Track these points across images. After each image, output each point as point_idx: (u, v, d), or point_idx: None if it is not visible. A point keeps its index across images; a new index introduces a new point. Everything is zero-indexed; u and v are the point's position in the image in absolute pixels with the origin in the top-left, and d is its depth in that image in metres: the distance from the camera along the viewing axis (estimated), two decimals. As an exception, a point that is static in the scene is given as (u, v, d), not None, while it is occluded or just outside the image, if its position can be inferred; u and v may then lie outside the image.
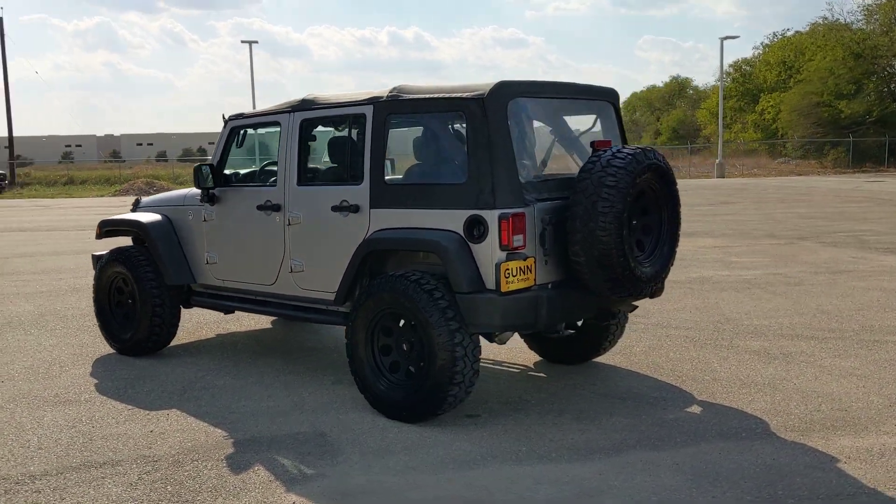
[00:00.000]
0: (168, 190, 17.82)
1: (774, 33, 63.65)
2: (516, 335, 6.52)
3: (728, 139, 52.84)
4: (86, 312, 8.28)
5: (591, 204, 4.59)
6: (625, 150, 4.73)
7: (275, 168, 5.82)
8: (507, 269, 4.54)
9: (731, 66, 58.22)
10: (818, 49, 47.26)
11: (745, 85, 56.00)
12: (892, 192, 24.67)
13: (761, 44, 59.23)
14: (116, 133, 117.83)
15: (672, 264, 5.18)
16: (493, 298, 4.55)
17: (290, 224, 5.56)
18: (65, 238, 16.31)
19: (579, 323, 5.82)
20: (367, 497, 3.94)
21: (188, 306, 6.65)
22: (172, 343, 6.96)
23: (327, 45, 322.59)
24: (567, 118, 5.47)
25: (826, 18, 49.87)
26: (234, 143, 6.13)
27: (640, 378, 5.79)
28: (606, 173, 4.61)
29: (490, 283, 4.59)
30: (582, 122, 5.56)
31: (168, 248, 6.37)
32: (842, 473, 4.09)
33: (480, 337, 4.98)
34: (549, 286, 4.81)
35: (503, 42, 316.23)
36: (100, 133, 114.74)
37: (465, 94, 4.73)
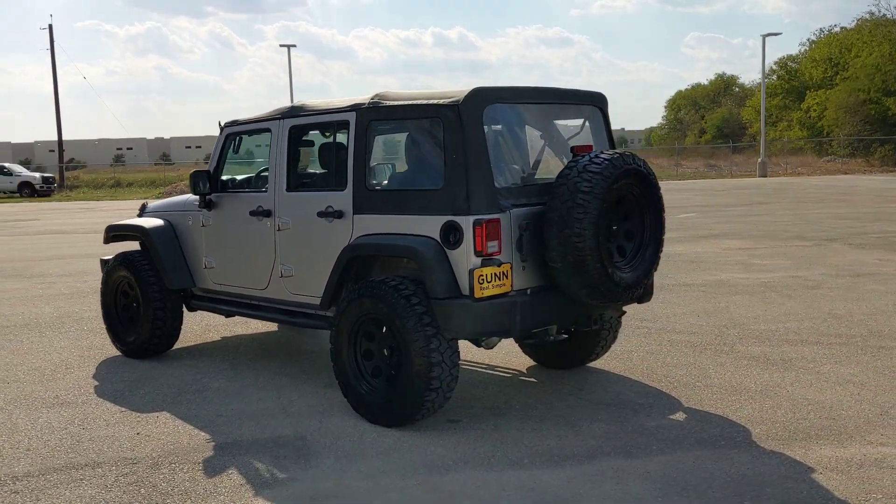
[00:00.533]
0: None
1: (821, 29, 62.24)
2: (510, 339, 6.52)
3: (773, 137, 51.97)
4: (101, 315, 8.44)
5: (567, 209, 4.57)
6: (602, 156, 4.70)
7: (268, 174, 5.90)
8: (481, 276, 4.55)
9: (776, 62, 57.26)
10: (864, 45, 46.24)
11: (790, 82, 54.99)
12: (936, 191, 24.04)
13: (808, 40, 58.23)
14: (166, 136, 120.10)
15: (655, 270, 5.13)
16: (467, 304, 4.56)
17: (279, 229, 5.64)
18: (98, 240, 16.59)
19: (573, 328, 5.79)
20: (332, 501, 3.98)
21: (192, 310, 6.77)
22: (178, 346, 7.09)
23: (372, 47, 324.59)
24: (555, 123, 5.44)
25: (873, 14, 48.80)
26: (231, 150, 6.22)
27: (630, 384, 5.75)
28: (582, 178, 4.59)
29: (465, 289, 4.60)
30: (569, 128, 5.53)
31: (169, 253, 6.49)
32: (815, 484, 4.02)
33: (476, 342, 5.00)
34: (528, 292, 4.80)
35: (548, 41, 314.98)
36: (150, 136, 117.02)
37: (440, 101, 4.75)
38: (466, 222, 4.58)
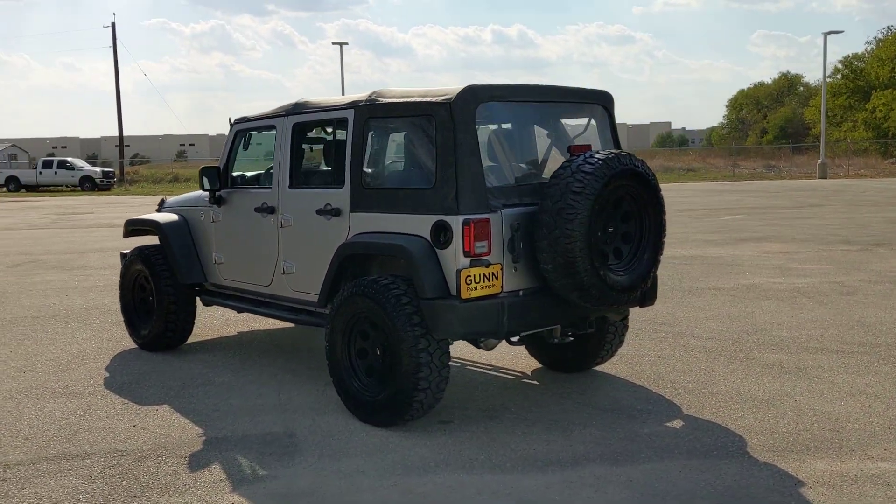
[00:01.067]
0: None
1: (889, 27, 60.35)
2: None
3: (837, 138, 50.64)
4: (125, 308, 8.61)
5: (557, 210, 4.49)
6: (596, 156, 4.60)
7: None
8: (469, 276, 4.49)
9: (840, 61, 55.74)
10: (935, 44, 44.69)
11: (855, 81, 53.49)
12: None
13: (874, 38, 56.48)
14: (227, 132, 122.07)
15: (654, 273, 5.00)
16: (454, 305, 4.50)
17: (282, 226, 5.66)
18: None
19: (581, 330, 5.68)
20: (305, 499, 3.96)
21: (207, 304, 6.85)
22: (194, 339, 7.19)
23: (431, 45, 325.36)
24: (556, 122, 5.35)
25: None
26: (241, 146, 6.26)
27: (634, 389, 5.63)
28: (574, 179, 4.50)
29: (454, 290, 4.55)
30: (574, 127, 5.43)
31: (181, 248, 6.57)
32: (801, 499, 3.87)
33: (475, 342, 4.95)
34: (521, 293, 4.73)
35: (609, 39, 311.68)
36: (212, 132, 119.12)
37: (433, 99, 4.70)
38: (456, 222, 4.53)
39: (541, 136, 5.27)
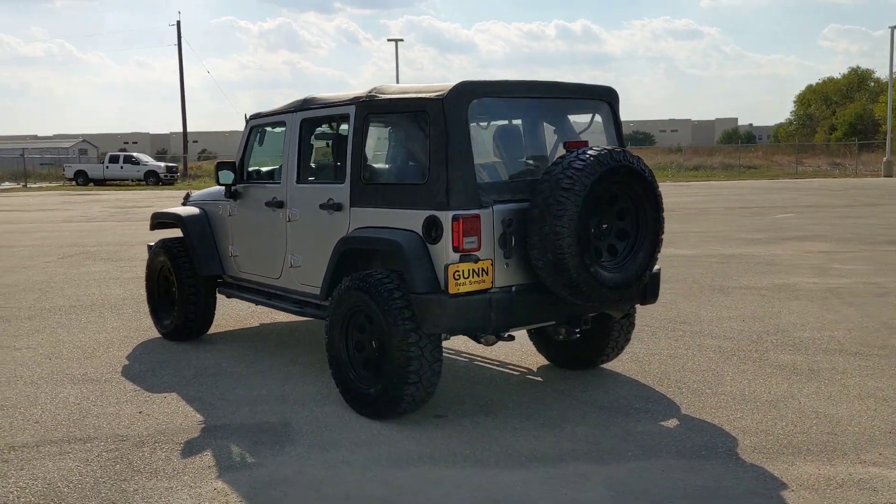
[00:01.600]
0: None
1: (967, 20, 58.01)
2: (521, 335, 6.46)
3: (908, 135, 48.93)
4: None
5: (547, 206, 4.48)
6: (589, 152, 4.58)
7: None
8: (457, 271, 4.52)
9: (913, 55, 53.71)
10: None
11: (928, 76, 51.50)
12: None
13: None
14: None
15: (650, 270, 4.94)
16: (442, 300, 4.54)
17: (289, 220, 5.76)
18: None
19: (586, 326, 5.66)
20: (284, 488, 4.05)
21: (228, 296, 7.00)
22: (217, 330, 7.38)
23: (494, 41, 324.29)
24: (557, 119, 5.33)
25: None
26: (256, 142, 6.39)
27: (637, 387, 5.58)
28: (564, 175, 4.49)
29: (443, 285, 4.58)
30: (577, 124, 5.40)
31: (201, 241, 6.73)
32: (780, 502, 3.81)
33: (475, 338, 4.96)
34: (513, 289, 4.73)
35: (675, 33, 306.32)
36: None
37: (426, 95, 4.74)
38: (446, 217, 4.56)
39: (541, 132, 5.26)
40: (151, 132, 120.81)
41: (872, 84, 69.37)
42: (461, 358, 6.40)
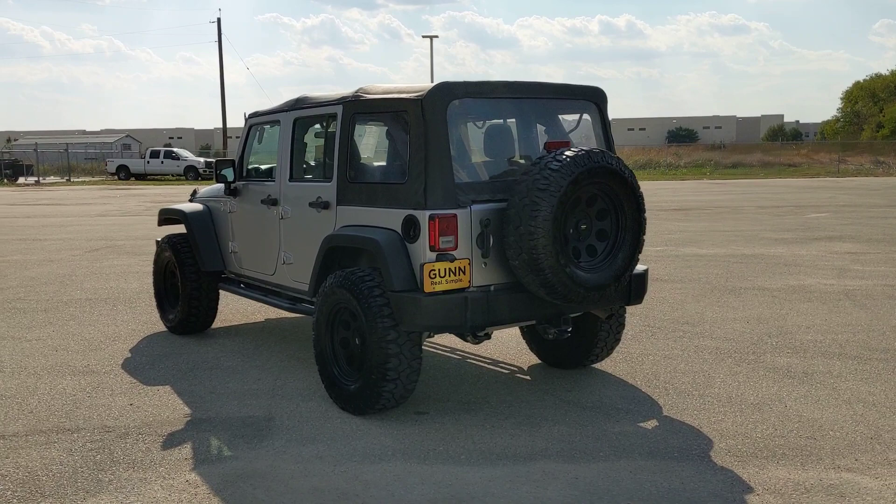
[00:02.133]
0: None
1: None
2: (516, 334, 6.49)
3: (956, 133, 47.75)
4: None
5: (522, 206, 4.50)
6: (566, 153, 4.58)
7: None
8: (433, 270, 4.55)
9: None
10: None
11: (978, 73, 50.24)
12: None
13: None
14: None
15: (630, 271, 4.92)
16: (417, 298, 4.58)
17: (282, 218, 5.85)
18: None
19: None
20: (254, 481, 4.12)
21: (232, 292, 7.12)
22: (222, 324, 7.50)
23: (537, 36, 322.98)
24: (543, 119, 5.33)
25: None
26: (255, 140, 6.49)
27: (623, 387, 5.57)
28: (541, 176, 4.50)
29: (420, 283, 4.62)
30: (567, 123, 5.40)
31: (203, 237, 6.86)
32: (742, 505, 3.79)
33: (461, 335, 5.00)
34: (491, 289, 4.76)
35: (721, 28, 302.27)
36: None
37: (407, 95, 4.78)
38: (423, 217, 4.60)
39: (526, 133, 5.27)
40: (196, 127, 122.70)
41: (922, 81, 67.74)
42: (454, 355, 6.43)
